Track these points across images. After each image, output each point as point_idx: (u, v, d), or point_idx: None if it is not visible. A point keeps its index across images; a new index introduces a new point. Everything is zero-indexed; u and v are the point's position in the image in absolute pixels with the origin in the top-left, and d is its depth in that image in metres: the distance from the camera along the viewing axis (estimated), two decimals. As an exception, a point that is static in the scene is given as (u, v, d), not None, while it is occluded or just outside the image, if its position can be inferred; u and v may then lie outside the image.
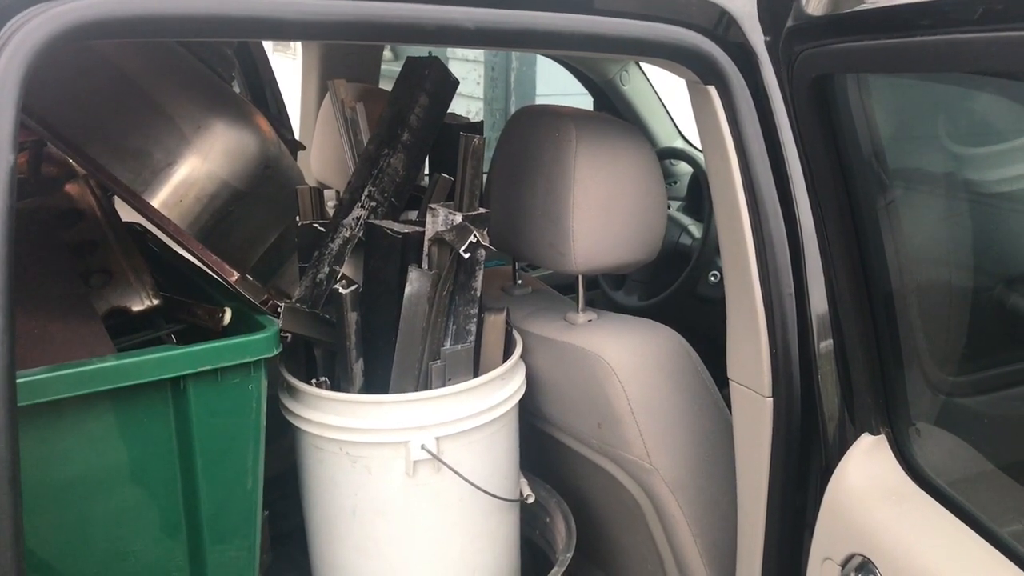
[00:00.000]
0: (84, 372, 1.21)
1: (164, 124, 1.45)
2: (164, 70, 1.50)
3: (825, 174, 1.16)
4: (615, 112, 3.30)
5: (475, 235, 1.39)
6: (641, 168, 1.62)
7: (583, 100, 3.34)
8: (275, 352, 1.36)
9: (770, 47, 1.27)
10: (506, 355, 1.64)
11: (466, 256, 1.40)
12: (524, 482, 1.71)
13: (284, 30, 1.05)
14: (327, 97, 2.37)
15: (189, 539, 1.39)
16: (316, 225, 1.61)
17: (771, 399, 1.39)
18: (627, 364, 1.55)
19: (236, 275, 1.37)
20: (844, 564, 1.15)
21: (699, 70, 1.37)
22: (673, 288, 2.82)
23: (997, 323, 1.23)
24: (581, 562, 1.92)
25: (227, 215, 1.53)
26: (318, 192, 1.65)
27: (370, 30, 1.14)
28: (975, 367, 1.23)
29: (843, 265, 1.18)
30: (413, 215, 1.66)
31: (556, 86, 4.40)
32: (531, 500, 1.70)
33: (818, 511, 1.33)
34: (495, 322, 1.60)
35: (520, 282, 1.90)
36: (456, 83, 1.67)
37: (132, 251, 1.56)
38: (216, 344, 1.30)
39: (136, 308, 1.50)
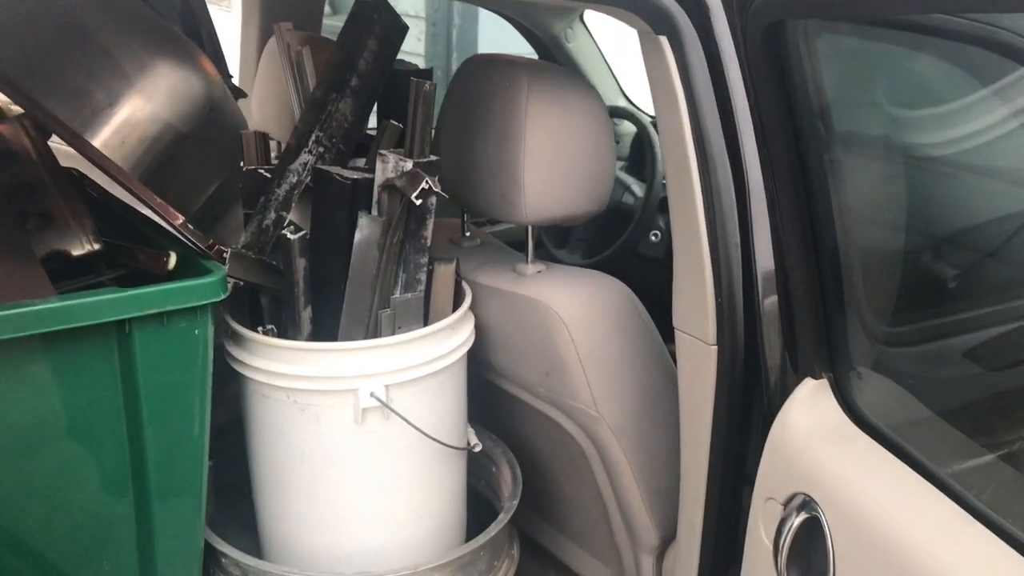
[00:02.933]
0: (26, 313, 1.18)
1: (106, 63, 1.41)
2: (105, 8, 1.44)
3: (776, 126, 1.18)
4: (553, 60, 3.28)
5: (427, 182, 1.38)
6: (592, 119, 1.63)
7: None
8: (222, 296, 1.34)
9: (724, -5, 1.28)
10: (456, 306, 1.64)
11: (417, 202, 1.39)
12: (471, 431, 1.72)
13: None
14: (268, 45, 2.32)
15: (135, 489, 1.37)
16: (261, 171, 1.59)
17: (715, 347, 1.42)
18: (576, 314, 1.57)
19: (181, 218, 1.34)
20: (786, 503, 1.19)
21: (651, 19, 1.38)
22: (615, 246, 2.85)
23: (930, 279, 1.27)
24: (526, 512, 1.95)
25: (170, 158, 1.50)
26: (263, 137, 1.62)
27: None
28: (911, 318, 1.27)
29: (790, 214, 1.21)
30: (360, 163, 1.64)
31: (499, 44, 4.36)
32: (478, 449, 1.71)
33: (760, 455, 1.37)
34: (445, 272, 1.60)
35: (469, 234, 1.90)
36: (406, 28, 1.64)
37: (71, 195, 1.51)
38: (162, 287, 1.28)
39: (76, 252, 1.46)
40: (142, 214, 1.55)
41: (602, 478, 1.70)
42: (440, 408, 1.60)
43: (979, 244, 1.26)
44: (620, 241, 2.84)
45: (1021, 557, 0.92)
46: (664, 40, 1.38)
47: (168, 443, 1.37)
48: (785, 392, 1.35)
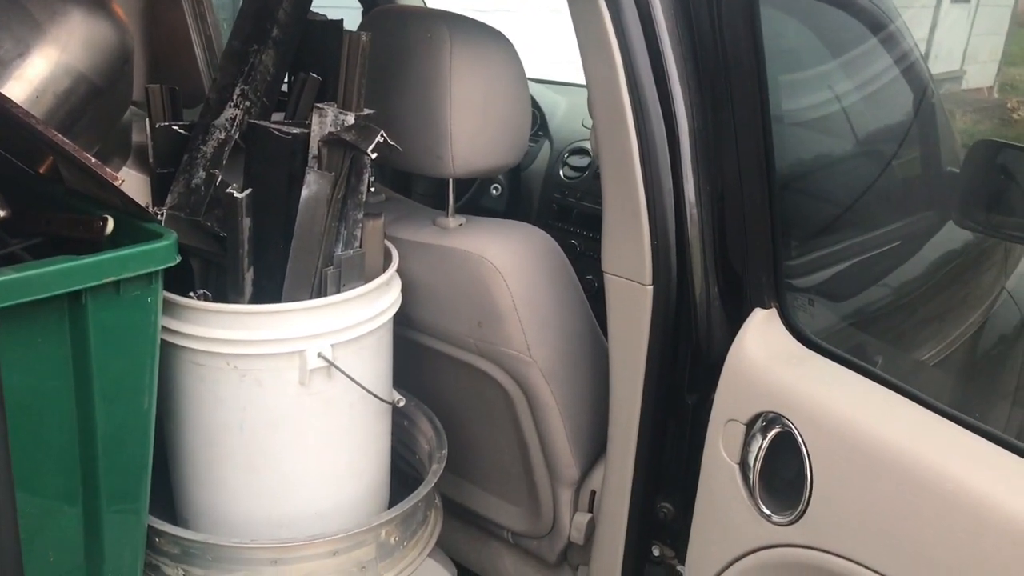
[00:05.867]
0: (-21, 287, 1.07)
1: (12, 9, 1.26)
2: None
3: (748, 78, 1.28)
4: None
5: (381, 135, 1.36)
6: (511, 69, 1.66)
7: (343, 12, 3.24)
8: (175, 261, 1.27)
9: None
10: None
11: (373, 156, 1.37)
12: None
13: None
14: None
15: (83, 466, 1.27)
16: (176, 127, 1.49)
17: (651, 287, 1.51)
18: (510, 263, 1.61)
19: (121, 179, 1.25)
20: (750, 423, 1.31)
21: (584, -26, 1.43)
22: (462, 201, 2.89)
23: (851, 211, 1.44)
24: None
25: (82, 114, 1.37)
26: (171, 91, 1.52)
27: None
28: (837, 248, 1.43)
29: (749, 159, 1.31)
30: (279, 118, 1.58)
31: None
32: (402, 404, 1.72)
33: (699, 383, 1.49)
34: (375, 227, 1.59)
35: (374, 190, 1.87)
36: (318, -23, 1.59)
37: (-40, 156, 1.36)
38: (119, 253, 1.19)
39: (-20, 222, 1.32)
40: (35, 175, 1.42)
41: (527, 422, 1.76)
42: (376, 365, 1.59)
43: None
44: (467, 196, 2.89)
45: (985, 441, 1.09)
46: (599, -7, 1.44)
47: (118, 420, 1.28)
48: (722, 323, 1.48)
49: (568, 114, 2.96)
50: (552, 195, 2.80)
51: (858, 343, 1.34)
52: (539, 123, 2.96)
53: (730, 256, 1.48)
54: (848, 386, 1.22)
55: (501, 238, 1.66)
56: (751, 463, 1.30)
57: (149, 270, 1.23)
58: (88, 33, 1.33)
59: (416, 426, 1.87)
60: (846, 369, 1.24)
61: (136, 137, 1.72)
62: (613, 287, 1.57)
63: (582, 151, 2.76)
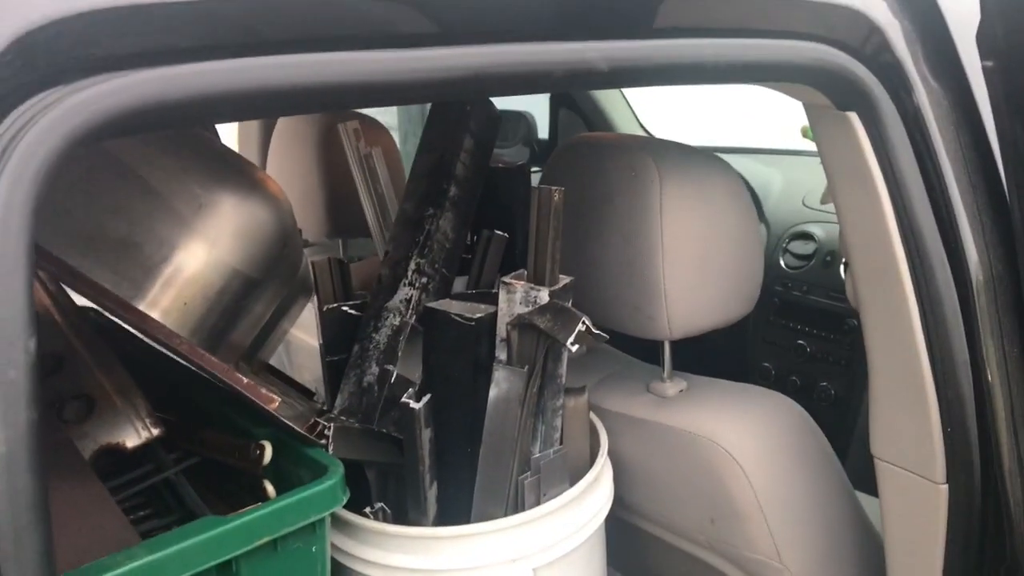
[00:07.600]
0: (109, 581, 0.87)
1: (155, 205, 1.09)
2: (148, 137, 1.13)
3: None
4: (571, 98, 3.01)
5: (583, 323, 1.09)
6: (735, 204, 1.35)
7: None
8: (343, 501, 1.04)
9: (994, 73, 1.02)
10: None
11: (573, 349, 1.10)
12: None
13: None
14: (280, 123, 2.03)
15: None
16: (346, 308, 1.28)
17: (946, 486, 1.16)
18: (750, 450, 1.29)
19: (276, 401, 1.03)
20: None
21: (837, 94, 1.12)
22: None
23: None
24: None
25: (240, 311, 1.19)
26: (339, 264, 1.31)
27: (491, 82, 0.83)
28: None
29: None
30: (462, 282, 1.34)
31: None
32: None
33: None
34: (577, 408, 1.31)
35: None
36: (499, 118, 1.36)
37: (111, 362, 1.20)
38: (275, 507, 0.97)
39: (131, 444, 1.15)
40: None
41: (775, 630, 1.41)
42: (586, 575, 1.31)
43: None
44: None
45: None
46: (854, 117, 1.12)
47: None
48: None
49: (785, 191, 2.58)
50: (773, 288, 2.43)
51: None
52: None
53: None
54: None
55: (734, 414, 1.34)
56: None
57: (311, 520, 1.00)
58: (240, 222, 1.14)
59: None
60: None
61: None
62: (890, 478, 1.23)
63: (806, 236, 2.38)
